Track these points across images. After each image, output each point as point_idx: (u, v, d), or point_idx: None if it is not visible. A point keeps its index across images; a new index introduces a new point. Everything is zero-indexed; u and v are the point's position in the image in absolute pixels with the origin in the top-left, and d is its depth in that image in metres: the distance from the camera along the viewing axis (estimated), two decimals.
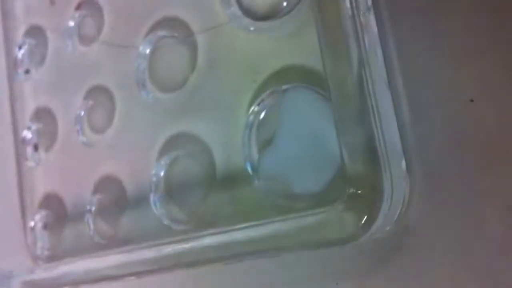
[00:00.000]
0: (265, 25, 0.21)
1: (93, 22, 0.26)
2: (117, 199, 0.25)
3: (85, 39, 0.27)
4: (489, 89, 0.18)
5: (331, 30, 0.18)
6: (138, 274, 0.22)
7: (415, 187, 0.18)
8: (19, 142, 0.28)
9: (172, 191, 0.23)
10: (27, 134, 0.28)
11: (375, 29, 0.19)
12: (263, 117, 0.21)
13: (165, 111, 0.23)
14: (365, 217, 0.17)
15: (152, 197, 0.23)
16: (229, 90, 0.22)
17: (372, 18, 0.19)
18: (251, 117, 0.21)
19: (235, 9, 0.22)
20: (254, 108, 0.21)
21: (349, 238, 0.17)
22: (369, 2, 0.19)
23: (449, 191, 0.18)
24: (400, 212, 0.18)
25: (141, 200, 0.24)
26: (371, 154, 0.17)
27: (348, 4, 0.18)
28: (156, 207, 0.23)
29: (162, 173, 0.23)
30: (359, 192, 0.17)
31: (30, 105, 0.29)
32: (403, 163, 0.18)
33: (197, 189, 0.22)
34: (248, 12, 0.21)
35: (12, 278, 0.26)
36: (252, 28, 0.21)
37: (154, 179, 0.23)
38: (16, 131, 0.28)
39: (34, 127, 0.28)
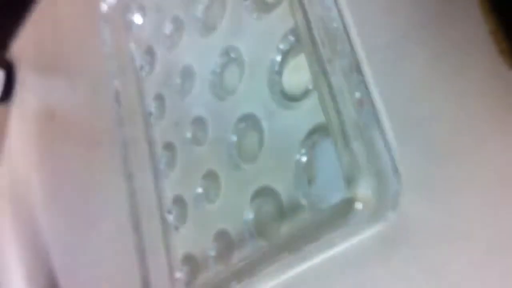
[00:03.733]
0: (302, 103, 0.32)
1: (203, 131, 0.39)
2: (227, 244, 0.35)
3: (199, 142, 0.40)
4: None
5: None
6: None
7: (406, 188, 0.27)
8: (165, 223, 0.41)
9: (259, 227, 0.33)
10: (169, 217, 0.41)
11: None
12: (305, 163, 0.31)
13: (249, 176, 0.35)
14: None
15: (247, 235, 0.34)
16: (284, 152, 0.32)
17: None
18: (298, 166, 0.31)
19: (279, 97, 0.33)
20: (299, 158, 0.31)
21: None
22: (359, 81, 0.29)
23: (433, 189, 0.26)
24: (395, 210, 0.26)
25: (242, 240, 0.34)
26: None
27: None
28: (251, 241, 0.33)
29: (251, 216, 0.34)
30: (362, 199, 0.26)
31: (169, 195, 0.42)
32: (394, 171, 0.27)
33: (274, 222, 0.32)
34: (290, 98, 0.33)
35: None
36: (292, 107, 0.32)
37: (248, 223, 0.34)
38: (162, 213, 0.41)
39: (174, 211, 0.41)
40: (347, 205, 0.26)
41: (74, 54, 0.60)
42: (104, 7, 0.48)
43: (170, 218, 0.41)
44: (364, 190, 0.26)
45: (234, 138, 0.36)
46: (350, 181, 0.26)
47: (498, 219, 0.24)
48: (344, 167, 0.27)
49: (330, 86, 0.28)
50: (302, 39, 0.31)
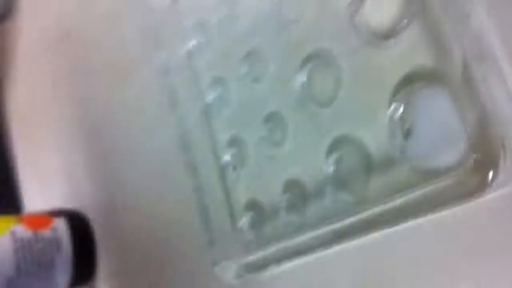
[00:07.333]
0: (391, 42, 0.27)
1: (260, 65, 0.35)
2: (300, 195, 0.32)
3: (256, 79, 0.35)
4: None
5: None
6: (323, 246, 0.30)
7: None
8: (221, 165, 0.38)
9: (341, 181, 0.30)
10: (226, 157, 0.38)
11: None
12: (402, 113, 0.27)
13: (325, 122, 0.31)
14: (491, 173, 0.22)
15: (327, 189, 0.30)
16: (372, 95, 0.28)
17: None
18: (393, 114, 0.27)
19: (365, 33, 0.28)
20: (394, 106, 0.27)
21: (476, 193, 0.22)
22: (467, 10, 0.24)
23: None
24: None
25: (319, 192, 0.31)
26: (487, 121, 0.22)
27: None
28: (330, 196, 0.30)
29: (331, 170, 0.30)
30: (482, 153, 0.22)
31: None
32: None
33: (360, 177, 0.29)
34: (376, 35, 0.28)
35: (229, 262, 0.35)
36: (381, 45, 0.28)
37: (327, 175, 0.30)
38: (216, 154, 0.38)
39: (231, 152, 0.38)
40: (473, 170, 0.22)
41: None
42: None
43: (227, 158, 0.38)
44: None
45: (303, 76, 0.32)
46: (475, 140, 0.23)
47: None
48: (469, 123, 0.23)
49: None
50: None
